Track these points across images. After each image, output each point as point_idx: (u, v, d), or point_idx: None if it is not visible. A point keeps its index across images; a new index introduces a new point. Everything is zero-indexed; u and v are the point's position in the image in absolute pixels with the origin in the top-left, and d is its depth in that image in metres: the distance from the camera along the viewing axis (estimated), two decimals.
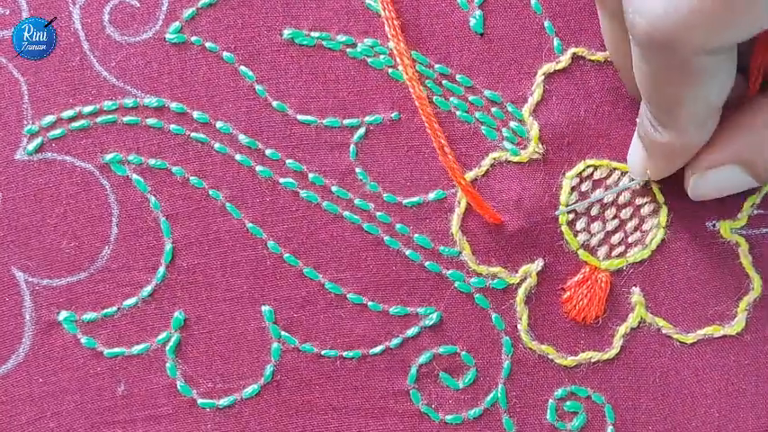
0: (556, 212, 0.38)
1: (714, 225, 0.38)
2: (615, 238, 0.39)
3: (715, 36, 0.28)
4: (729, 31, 0.28)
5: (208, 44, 0.39)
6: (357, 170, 0.39)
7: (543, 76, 0.39)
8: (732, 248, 0.38)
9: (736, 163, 0.35)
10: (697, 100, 0.31)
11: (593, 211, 0.39)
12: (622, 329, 0.38)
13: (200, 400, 0.38)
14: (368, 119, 0.39)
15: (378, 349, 0.38)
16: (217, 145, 0.39)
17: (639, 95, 0.35)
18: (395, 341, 0.38)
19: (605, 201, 0.39)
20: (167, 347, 0.38)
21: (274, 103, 0.39)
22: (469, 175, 0.38)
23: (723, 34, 0.28)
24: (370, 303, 0.38)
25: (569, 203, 0.38)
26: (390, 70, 0.39)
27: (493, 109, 0.39)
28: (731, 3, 0.27)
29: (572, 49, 0.39)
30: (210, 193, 0.39)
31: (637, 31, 0.30)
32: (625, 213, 0.39)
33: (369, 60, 0.39)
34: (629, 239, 0.39)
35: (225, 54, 0.39)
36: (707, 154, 0.35)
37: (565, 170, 0.39)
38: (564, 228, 0.38)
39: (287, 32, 0.39)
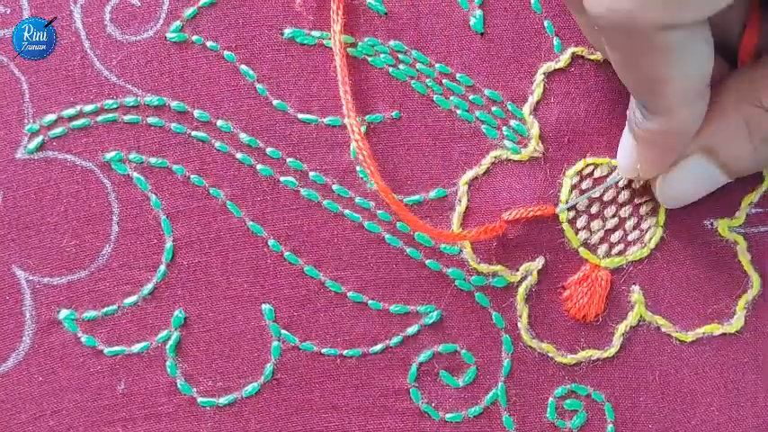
0: (556, 210, 0.38)
1: (712, 224, 0.39)
2: (615, 237, 0.39)
3: (672, 12, 0.28)
4: (685, 7, 0.28)
5: (209, 43, 0.39)
6: (357, 169, 0.39)
7: (543, 75, 0.39)
8: (730, 247, 0.39)
9: (700, 152, 0.34)
10: (675, 78, 0.31)
11: (593, 209, 0.39)
12: (622, 328, 0.38)
13: (200, 399, 0.38)
14: (368, 117, 0.39)
15: (378, 348, 0.38)
16: (217, 143, 0.39)
17: None
18: (395, 339, 0.38)
19: (605, 198, 0.39)
20: (167, 346, 0.38)
21: (275, 102, 0.39)
22: (470, 173, 0.39)
23: (680, 11, 0.28)
24: (370, 302, 0.38)
25: (568, 201, 0.38)
26: (391, 69, 0.39)
27: (493, 108, 0.39)
28: None
29: (571, 49, 0.39)
30: (211, 191, 0.39)
31: (594, 17, 0.30)
32: (624, 212, 0.39)
33: (369, 59, 0.39)
34: (629, 238, 0.39)
35: (226, 53, 0.39)
36: None
37: (565, 168, 0.39)
38: (565, 226, 0.38)
39: (287, 31, 0.39)
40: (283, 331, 0.38)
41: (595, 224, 0.39)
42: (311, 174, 0.39)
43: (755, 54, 0.35)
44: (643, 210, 0.39)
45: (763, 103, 0.33)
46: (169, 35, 0.39)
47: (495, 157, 0.39)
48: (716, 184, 0.36)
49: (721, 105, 0.34)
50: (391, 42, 0.39)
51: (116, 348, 0.38)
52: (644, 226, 0.39)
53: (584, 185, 0.39)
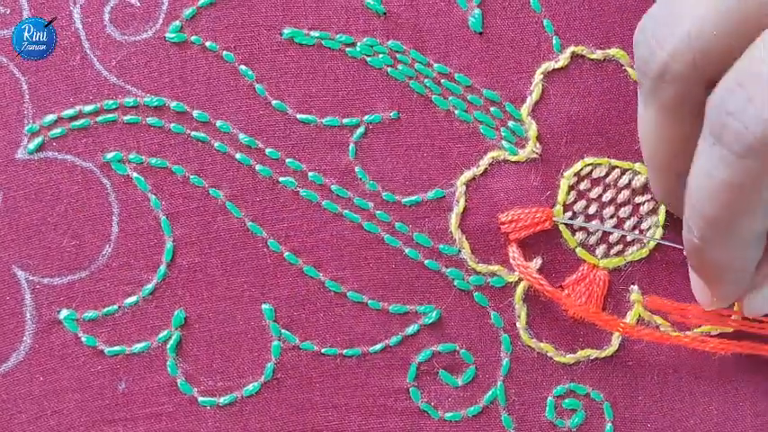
0: (553, 218, 0.38)
1: None
2: (613, 237, 0.39)
3: None
4: None
5: (208, 43, 0.39)
6: (356, 169, 0.39)
7: (542, 75, 0.39)
8: None
9: None
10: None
11: (591, 210, 0.39)
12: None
13: (200, 398, 0.39)
14: (367, 118, 0.39)
15: (378, 347, 0.38)
16: (217, 144, 0.39)
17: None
18: (394, 339, 0.38)
19: (604, 199, 0.39)
20: (168, 346, 0.39)
21: (274, 103, 0.39)
22: (468, 174, 0.39)
23: None
24: (369, 301, 0.38)
25: (570, 214, 0.38)
26: (389, 69, 0.39)
27: (491, 108, 0.39)
28: None
29: (571, 48, 0.39)
30: (211, 191, 0.39)
31: (734, 138, 0.28)
32: (624, 212, 0.39)
33: (368, 60, 0.39)
34: (628, 238, 0.39)
35: (225, 53, 0.39)
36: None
37: (563, 169, 0.39)
38: (562, 226, 0.38)
39: (287, 32, 0.39)
40: (283, 331, 0.39)
41: (593, 224, 0.39)
42: (310, 174, 0.39)
43: None
44: (644, 209, 0.39)
45: None
46: (168, 35, 0.39)
47: (493, 158, 0.39)
48: None
49: None
50: (390, 42, 0.39)
51: (117, 348, 0.39)
52: (644, 226, 0.39)
53: (581, 186, 0.39)
